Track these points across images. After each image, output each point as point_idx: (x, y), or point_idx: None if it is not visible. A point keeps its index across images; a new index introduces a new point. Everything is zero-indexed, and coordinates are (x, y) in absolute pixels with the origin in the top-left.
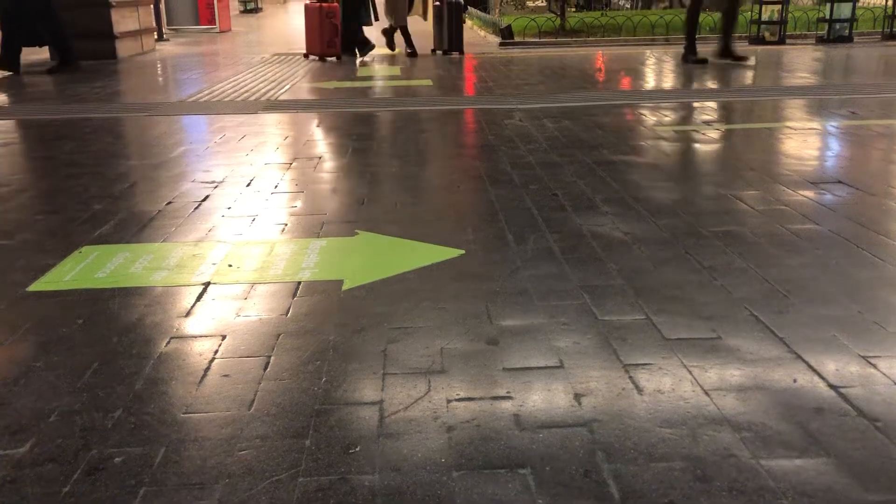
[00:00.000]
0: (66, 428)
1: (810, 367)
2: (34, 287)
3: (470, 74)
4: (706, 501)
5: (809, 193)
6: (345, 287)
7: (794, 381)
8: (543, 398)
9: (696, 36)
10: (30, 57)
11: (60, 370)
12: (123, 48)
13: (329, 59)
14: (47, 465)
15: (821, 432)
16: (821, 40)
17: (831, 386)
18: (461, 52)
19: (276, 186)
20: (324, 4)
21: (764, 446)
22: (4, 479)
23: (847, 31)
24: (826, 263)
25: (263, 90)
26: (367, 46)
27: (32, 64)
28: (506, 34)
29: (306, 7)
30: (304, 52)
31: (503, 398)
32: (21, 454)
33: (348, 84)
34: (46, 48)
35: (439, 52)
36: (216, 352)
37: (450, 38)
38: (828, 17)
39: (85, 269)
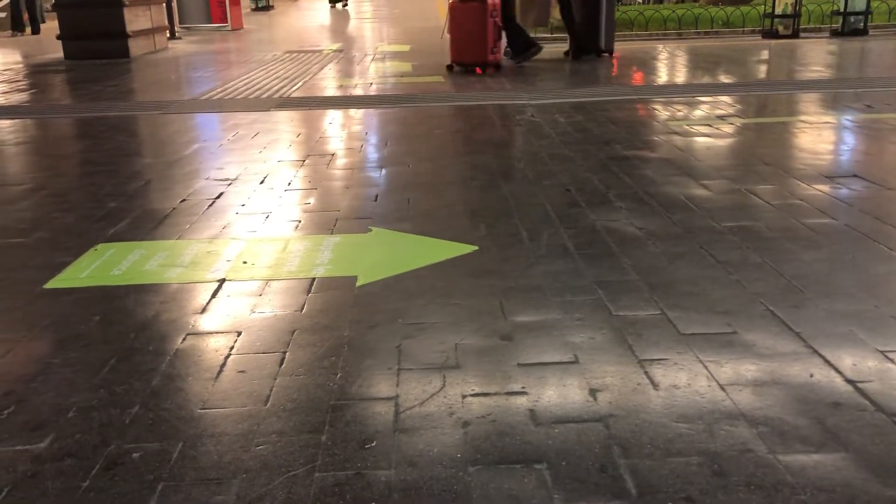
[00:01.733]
0: (84, 424)
1: (827, 361)
2: (51, 284)
3: (481, 70)
4: (723, 496)
5: (825, 188)
6: (359, 283)
7: (811, 375)
8: (558, 393)
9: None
10: (44, 56)
11: (78, 367)
12: (136, 47)
13: (489, 68)
14: (66, 460)
15: (838, 427)
16: (835, 33)
17: (848, 381)
18: (612, 52)
19: (289, 183)
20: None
21: (781, 441)
22: (25, 473)
23: (862, 24)
24: (842, 258)
25: (276, 87)
26: (532, 48)
27: (43, 64)
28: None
29: (454, 6)
30: (449, 62)
31: (518, 393)
32: (41, 449)
33: (360, 81)
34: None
35: (573, 54)
36: (232, 348)
37: (606, 34)
38: (842, 10)
39: (101, 266)
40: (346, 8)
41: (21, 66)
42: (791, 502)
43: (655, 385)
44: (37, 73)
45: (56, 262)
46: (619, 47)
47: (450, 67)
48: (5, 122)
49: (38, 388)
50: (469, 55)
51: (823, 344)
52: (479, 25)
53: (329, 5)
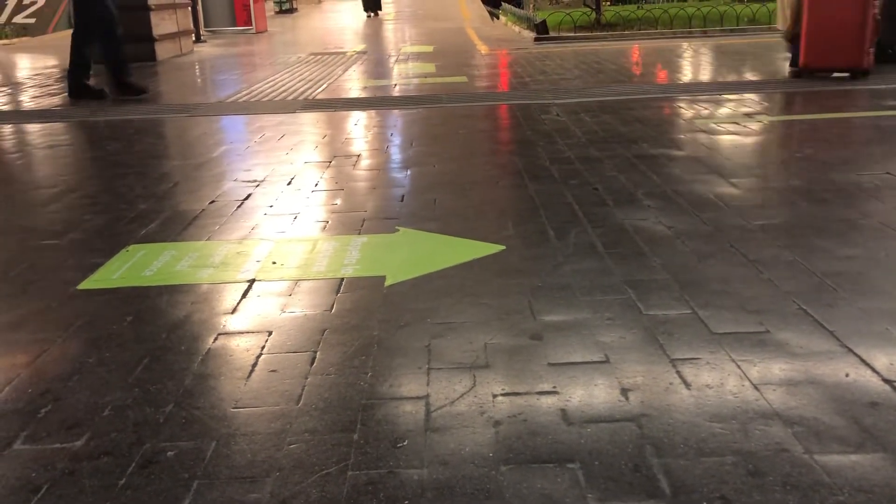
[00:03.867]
0: (119, 422)
1: (862, 360)
2: (84, 285)
3: (505, 70)
4: (759, 496)
5: (857, 184)
6: (387, 283)
7: (846, 375)
8: (590, 393)
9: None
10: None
11: (112, 366)
12: (162, 50)
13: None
14: (103, 458)
15: (876, 427)
16: None
17: (886, 380)
18: None
19: (316, 184)
20: None
21: (817, 441)
22: (63, 471)
23: None
24: (876, 255)
25: (301, 89)
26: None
27: None
28: (541, 29)
29: None
30: (798, 66)
31: (549, 393)
32: (77, 447)
33: (384, 82)
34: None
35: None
36: (263, 347)
37: None
38: None
39: (132, 267)
40: (380, 14)
41: (50, 69)
42: (829, 503)
43: (687, 384)
44: (66, 77)
45: (89, 263)
46: (644, 46)
47: (797, 74)
48: (36, 126)
49: (73, 387)
50: (836, 57)
51: (858, 343)
52: (858, 14)
53: (365, 15)
